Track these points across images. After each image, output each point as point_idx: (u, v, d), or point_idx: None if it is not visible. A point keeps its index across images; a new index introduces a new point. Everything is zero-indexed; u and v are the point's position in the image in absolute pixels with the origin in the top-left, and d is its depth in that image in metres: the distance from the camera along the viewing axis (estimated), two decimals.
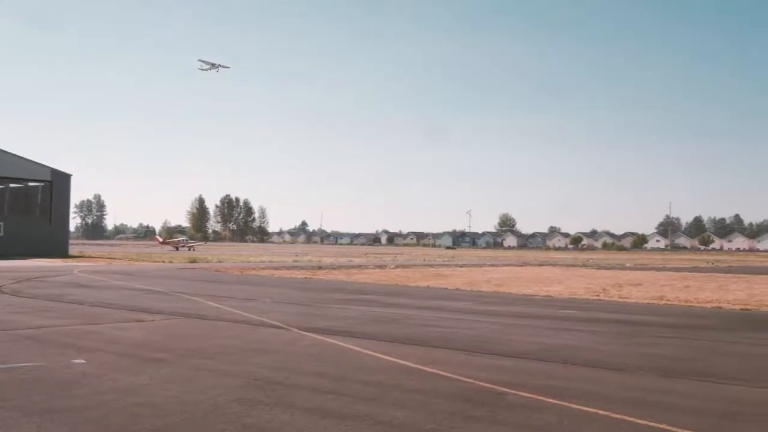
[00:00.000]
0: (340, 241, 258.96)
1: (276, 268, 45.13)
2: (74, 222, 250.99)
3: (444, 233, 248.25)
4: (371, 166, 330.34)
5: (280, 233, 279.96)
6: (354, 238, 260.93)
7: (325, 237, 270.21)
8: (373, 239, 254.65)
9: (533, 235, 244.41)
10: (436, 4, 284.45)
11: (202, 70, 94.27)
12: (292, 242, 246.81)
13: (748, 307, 22.53)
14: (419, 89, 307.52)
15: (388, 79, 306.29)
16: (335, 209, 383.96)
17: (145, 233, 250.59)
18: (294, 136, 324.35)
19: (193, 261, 54.83)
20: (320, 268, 47.41)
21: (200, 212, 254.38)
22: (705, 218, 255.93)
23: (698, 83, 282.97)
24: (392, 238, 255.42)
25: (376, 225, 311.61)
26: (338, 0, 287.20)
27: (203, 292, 25.08)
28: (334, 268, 46.87)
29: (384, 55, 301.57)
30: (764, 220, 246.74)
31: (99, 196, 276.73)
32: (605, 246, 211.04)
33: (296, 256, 77.62)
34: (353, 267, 50.07)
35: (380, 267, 50.57)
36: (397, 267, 51.15)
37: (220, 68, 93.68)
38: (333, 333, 14.72)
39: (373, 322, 17.14)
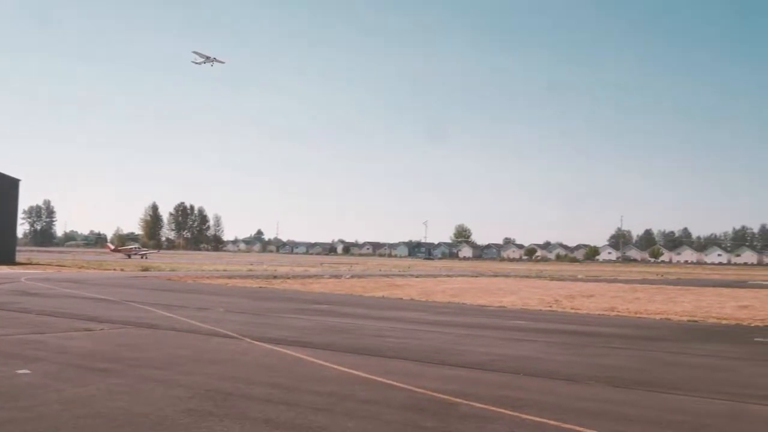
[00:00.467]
0: (295, 250, 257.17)
1: (230, 277, 44.67)
2: (22, 228, 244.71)
3: (400, 243, 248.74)
4: (328, 176, 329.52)
5: (235, 242, 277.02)
6: (310, 248, 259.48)
7: (281, 246, 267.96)
8: (329, 249, 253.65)
9: (488, 246, 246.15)
10: (404, 17, 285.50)
11: (196, 63, 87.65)
12: (248, 251, 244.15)
13: (695, 318, 23.06)
14: (377, 101, 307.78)
15: (348, 90, 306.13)
16: (291, 218, 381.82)
17: (97, 240, 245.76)
18: (251, 144, 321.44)
19: (146, 269, 53.94)
20: (275, 277, 47.09)
21: (153, 220, 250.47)
22: (655, 231, 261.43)
23: (648, 97, 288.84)
24: (348, 248, 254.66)
25: (333, 235, 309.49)
26: (303, 11, 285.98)
27: (155, 300, 24.68)
28: (289, 278, 46.59)
29: (347, 66, 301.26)
30: (711, 234, 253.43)
31: (49, 201, 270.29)
32: (558, 257, 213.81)
33: (251, 265, 76.96)
34: (308, 277, 49.84)
35: (336, 277, 50.43)
36: (352, 277, 51.04)
37: (215, 62, 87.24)
38: (286, 343, 14.62)
39: (327, 332, 17.06)
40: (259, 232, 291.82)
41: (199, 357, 12.66)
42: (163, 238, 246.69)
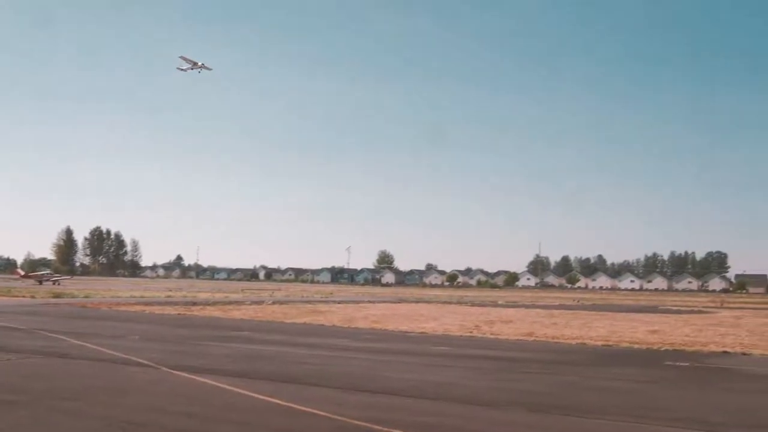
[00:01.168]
0: (216, 276, 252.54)
1: (147, 304, 43.46)
2: None
3: (323, 269, 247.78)
4: (249, 200, 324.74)
5: (154, 267, 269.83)
6: (231, 274, 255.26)
7: (201, 272, 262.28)
8: (251, 275, 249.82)
9: (411, 272, 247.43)
10: (338, 43, 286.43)
11: (182, 69, 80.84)
12: (167, 277, 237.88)
13: (609, 343, 23.74)
14: (301, 126, 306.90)
15: (273, 113, 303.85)
16: (212, 243, 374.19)
17: (6, 266, 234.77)
18: (170, 166, 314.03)
19: (58, 296, 51.89)
20: (195, 304, 46.08)
21: (67, 244, 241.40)
22: (572, 258, 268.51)
23: (562, 127, 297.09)
24: (270, 274, 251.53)
25: (254, 260, 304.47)
26: (225, 26, 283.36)
27: (67, 329, 23.77)
28: (209, 304, 45.68)
29: (272, 89, 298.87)
30: (624, 261, 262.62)
31: None
32: (479, 283, 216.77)
33: (170, 291, 75.14)
34: (229, 303, 48.99)
35: (257, 303, 49.74)
36: (274, 303, 50.45)
37: (202, 69, 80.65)
38: (204, 371, 14.30)
39: (247, 360, 16.80)
40: (179, 258, 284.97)
41: (111, 387, 12.25)
42: (78, 264, 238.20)
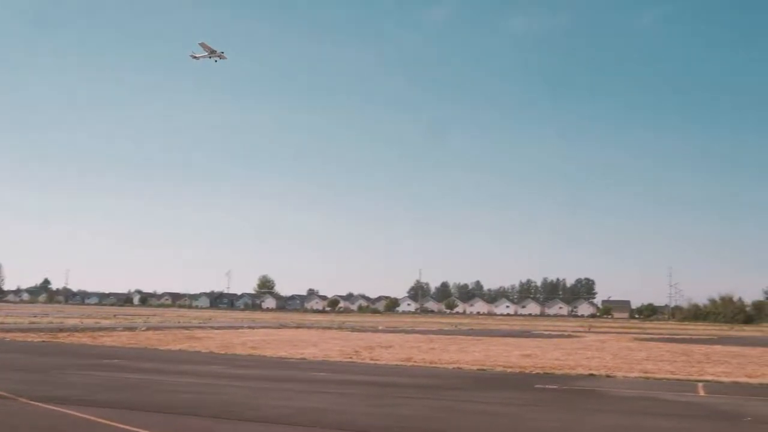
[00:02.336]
0: (87, 301, 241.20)
1: (8, 331, 40.84)
2: None
3: (201, 294, 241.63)
4: (123, 221, 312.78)
5: (18, 292, 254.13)
6: (103, 298, 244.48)
7: (71, 297, 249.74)
8: (125, 300, 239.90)
9: (292, 297, 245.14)
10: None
11: (195, 58, 75.53)
12: (32, 302, 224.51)
13: (484, 367, 24.37)
14: (178, 146, 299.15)
15: (143, 133, 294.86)
16: (83, 266, 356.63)
17: None
18: (35, 181, 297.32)
19: None
20: (61, 330, 43.68)
21: None
22: (451, 284, 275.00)
23: (442, 154, 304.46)
24: (146, 299, 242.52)
25: (129, 284, 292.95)
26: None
27: None
28: (77, 331, 43.44)
29: (146, 112, 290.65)
30: (500, 287, 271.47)
31: None
32: (361, 309, 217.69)
33: (34, 317, 70.94)
34: (99, 329, 46.79)
35: (130, 329, 47.77)
36: (148, 329, 48.62)
37: (219, 59, 75.66)
38: (69, 402, 13.55)
39: (116, 389, 16.06)
40: (46, 281, 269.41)
41: None
42: None
